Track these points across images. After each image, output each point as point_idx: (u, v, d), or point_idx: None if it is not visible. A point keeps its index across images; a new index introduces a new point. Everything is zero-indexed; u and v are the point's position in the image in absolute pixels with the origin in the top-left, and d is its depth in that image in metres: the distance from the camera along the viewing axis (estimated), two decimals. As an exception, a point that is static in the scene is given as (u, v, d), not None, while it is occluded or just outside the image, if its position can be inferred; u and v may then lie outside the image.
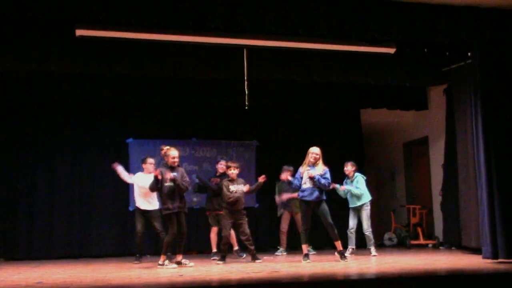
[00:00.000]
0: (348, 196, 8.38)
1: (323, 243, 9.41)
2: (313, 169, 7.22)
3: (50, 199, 9.04)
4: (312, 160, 7.27)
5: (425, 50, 8.08)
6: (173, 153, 6.93)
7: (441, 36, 6.40)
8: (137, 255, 7.67)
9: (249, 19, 5.92)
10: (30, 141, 9.09)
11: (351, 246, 8.34)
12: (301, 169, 7.34)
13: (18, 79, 8.07)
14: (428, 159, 10.60)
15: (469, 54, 7.45)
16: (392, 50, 7.53)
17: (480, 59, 6.82)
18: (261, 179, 7.37)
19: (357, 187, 8.29)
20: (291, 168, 8.47)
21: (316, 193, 7.15)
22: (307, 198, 7.17)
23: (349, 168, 8.43)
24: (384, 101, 9.88)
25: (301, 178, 7.27)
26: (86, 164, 9.25)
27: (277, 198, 9.00)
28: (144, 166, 7.85)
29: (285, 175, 7.90)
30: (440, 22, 6.33)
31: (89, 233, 9.07)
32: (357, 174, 8.44)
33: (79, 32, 6.55)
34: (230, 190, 7.26)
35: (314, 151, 7.37)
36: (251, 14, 5.88)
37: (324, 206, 7.19)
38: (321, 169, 7.23)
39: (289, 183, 7.68)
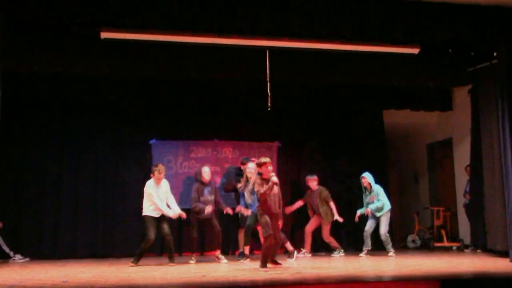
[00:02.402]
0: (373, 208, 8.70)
1: (345, 246, 9.36)
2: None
3: (75, 199, 9.13)
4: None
5: (450, 50, 8.00)
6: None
7: (467, 37, 6.32)
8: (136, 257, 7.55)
9: (273, 21, 5.94)
10: (55, 142, 9.19)
11: (367, 247, 8.63)
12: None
13: (43, 78, 8.21)
14: (452, 160, 10.47)
15: (495, 54, 7.33)
16: (416, 50, 7.47)
17: (507, 59, 6.71)
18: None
19: (378, 199, 8.65)
20: (315, 177, 8.85)
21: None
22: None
23: (366, 180, 8.74)
24: (408, 102, 9.80)
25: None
26: (110, 164, 9.32)
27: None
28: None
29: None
30: (466, 22, 6.26)
31: (113, 233, 9.14)
32: (375, 186, 8.71)
33: (104, 35, 6.64)
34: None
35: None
36: (274, 16, 5.89)
37: None
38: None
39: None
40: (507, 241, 6.86)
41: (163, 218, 7.58)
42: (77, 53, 7.28)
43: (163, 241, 7.73)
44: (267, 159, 6.47)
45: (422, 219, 10.88)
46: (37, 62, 7.23)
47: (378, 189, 8.74)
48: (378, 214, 8.64)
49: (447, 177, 10.75)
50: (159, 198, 7.53)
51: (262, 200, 6.34)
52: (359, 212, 8.77)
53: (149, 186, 7.59)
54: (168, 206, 7.66)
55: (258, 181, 6.37)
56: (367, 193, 8.78)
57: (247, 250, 8.09)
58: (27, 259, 8.58)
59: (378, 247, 8.83)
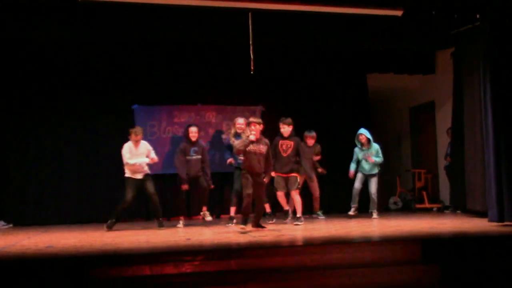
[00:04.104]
0: (367, 165, 8.61)
1: (329, 208, 9.49)
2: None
3: (58, 164, 9.10)
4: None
5: (433, 12, 7.95)
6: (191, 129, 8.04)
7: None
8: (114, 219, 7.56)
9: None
10: (36, 108, 9.08)
11: (354, 205, 8.67)
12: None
13: (19, 44, 8.06)
14: (434, 123, 10.57)
15: (477, 16, 7.32)
16: (399, 13, 7.40)
17: (490, 21, 6.71)
18: None
19: (378, 156, 8.61)
20: (314, 134, 8.77)
21: None
22: None
23: (364, 136, 8.63)
24: (391, 66, 9.82)
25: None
26: (93, 129, 9.26)
27: None
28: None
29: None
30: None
31: (97, 198, 9.14)
32: (373, 144, 8.63)
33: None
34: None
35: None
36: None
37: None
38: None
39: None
40: (486, 202, 7.00)
41: (146, 179, 7.61)
42: (54, 17, 7.09)
43: (149, 203, 7.75)
44: (255, 120, 6.68)
45: (404, 181, 11.04)
46: (12, 28, 7.05)
47: (378, 146, 8.67)
48: (373, 172, 8.62)
49: (429, 140, 10.88)
50: (135, 159, 7.57)
51: (244, 158, 6.56)
52: (352, 169, 8.71)
53: (124, 148, 7.63)
54: None
55: (243, 138, 6.60)
56: (364, 149, 8.64)
57: (232, 211, 8.14)
58: (10, 225, 8.57)
59: (361, 209, 8.92)
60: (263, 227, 6.78)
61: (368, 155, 8.60)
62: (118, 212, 7.57)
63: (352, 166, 8.76)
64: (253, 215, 6.81)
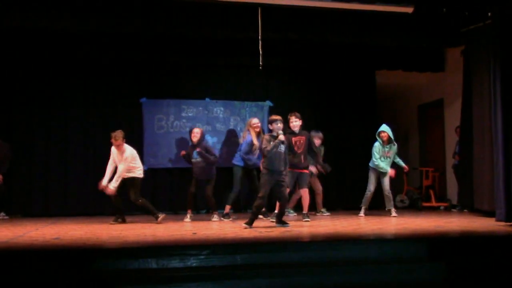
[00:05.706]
0: (385, 163, 8.29)
1: (335, 205, 9.48)
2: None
3: (65, 157, 9.14)
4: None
5: (444, 10, 7.90)
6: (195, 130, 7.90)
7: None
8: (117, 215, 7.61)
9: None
10: (43, 101, 9.13)
11: (366, 207, 8.49)
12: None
13: (30, 36, 8.08)
14: (442, 121, 10.51)
15: (489, 14, 7.27)
16: (409, 10, 7.38)
17: (501, 19, 6.65)
18: None
19: (397, 153, 8.38)
20: (320, 134, 8.57)
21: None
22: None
23: (386, 134, 8.29)
24: (400, 63, 9.77)
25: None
26: (100, 123, 9.29)
27: None
28: None
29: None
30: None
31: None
32: (393, 143, 8.38)
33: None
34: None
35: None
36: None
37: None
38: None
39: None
40: (494, 201, 6.96)
41: (126, 183, 7.48)
42: (62, 8, 7.10)
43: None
44: (278, 117, 6.60)
45: (411, 179, 11.00)
46: (21, 18, 7.07)
47: (395, 145, 8.37)
48: (388, 169, 8.30)
49: (437, 138, 10.82)
50: (113, 164, 7.52)
51: (268, 157, 6.39)
52: (383, 165, 8.22)
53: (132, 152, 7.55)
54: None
55: (267, 137, 6.46)
56: (385, 147, 8.27)
57: (227, 209, 8.13)
58: (7, 217, 8.60)
59: (370, 206, 8.78)
60: (286, 223, 6.63)
61: (388, 153, 8.29)
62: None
63: (381, 163, 8.25)
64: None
